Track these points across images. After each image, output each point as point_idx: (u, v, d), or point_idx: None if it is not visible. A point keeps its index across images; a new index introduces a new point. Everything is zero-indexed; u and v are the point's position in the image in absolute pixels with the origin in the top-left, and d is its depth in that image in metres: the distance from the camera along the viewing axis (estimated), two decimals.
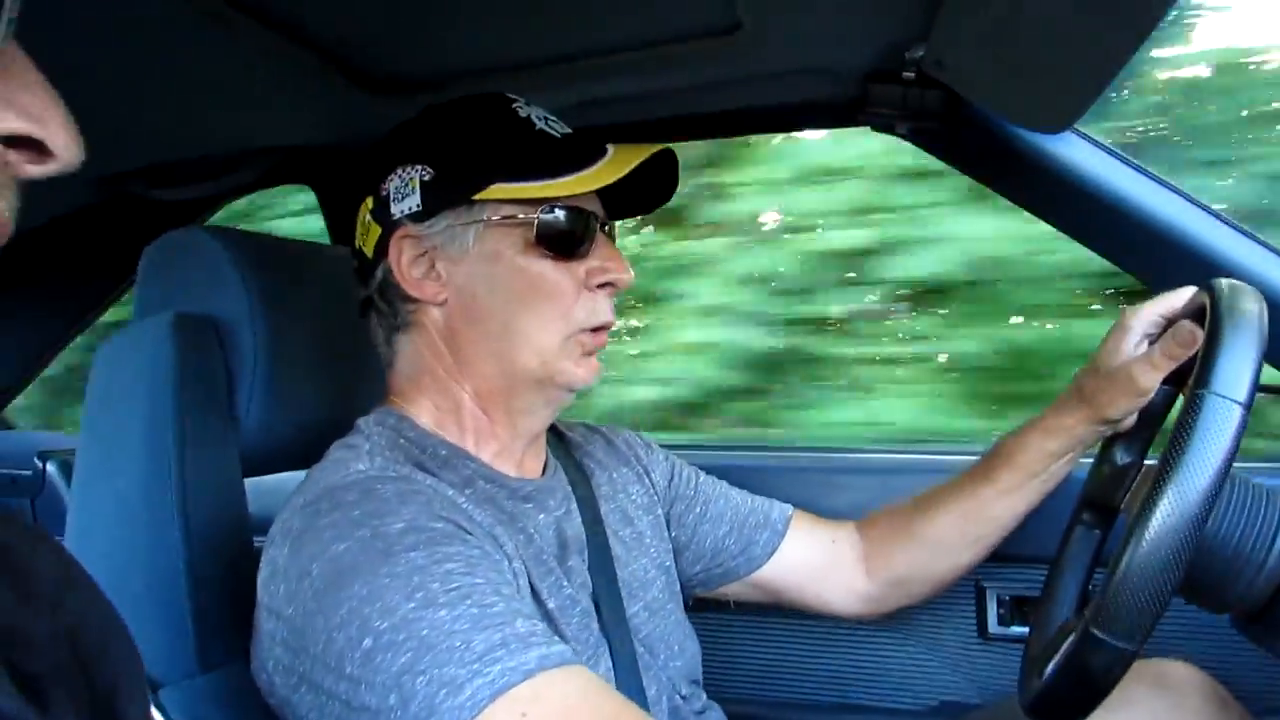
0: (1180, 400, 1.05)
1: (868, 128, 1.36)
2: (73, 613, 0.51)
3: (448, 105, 1.02)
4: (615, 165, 0.94)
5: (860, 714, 1.55)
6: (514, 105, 0.99)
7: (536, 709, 0.71)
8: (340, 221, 1.73)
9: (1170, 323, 1.04)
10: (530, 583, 0.92)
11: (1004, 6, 0.96)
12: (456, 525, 0.83)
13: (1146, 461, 1.09)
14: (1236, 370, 0.78)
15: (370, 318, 1.04)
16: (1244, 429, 0.76)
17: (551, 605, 0.93)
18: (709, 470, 1.33)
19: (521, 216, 0.94)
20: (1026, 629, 1.44)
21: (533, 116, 0.98)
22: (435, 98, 1.32)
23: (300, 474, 0.96)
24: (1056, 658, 0.87)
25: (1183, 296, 1.04)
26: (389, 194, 0.97)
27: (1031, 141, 1.26)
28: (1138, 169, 1.26)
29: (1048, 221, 1.31)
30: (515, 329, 0.95)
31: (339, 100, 1.34)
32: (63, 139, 0.44)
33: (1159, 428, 1.10)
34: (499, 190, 0.93)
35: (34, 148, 0.44)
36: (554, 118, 1.01)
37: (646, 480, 1.22)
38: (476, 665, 0.71)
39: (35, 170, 0.44)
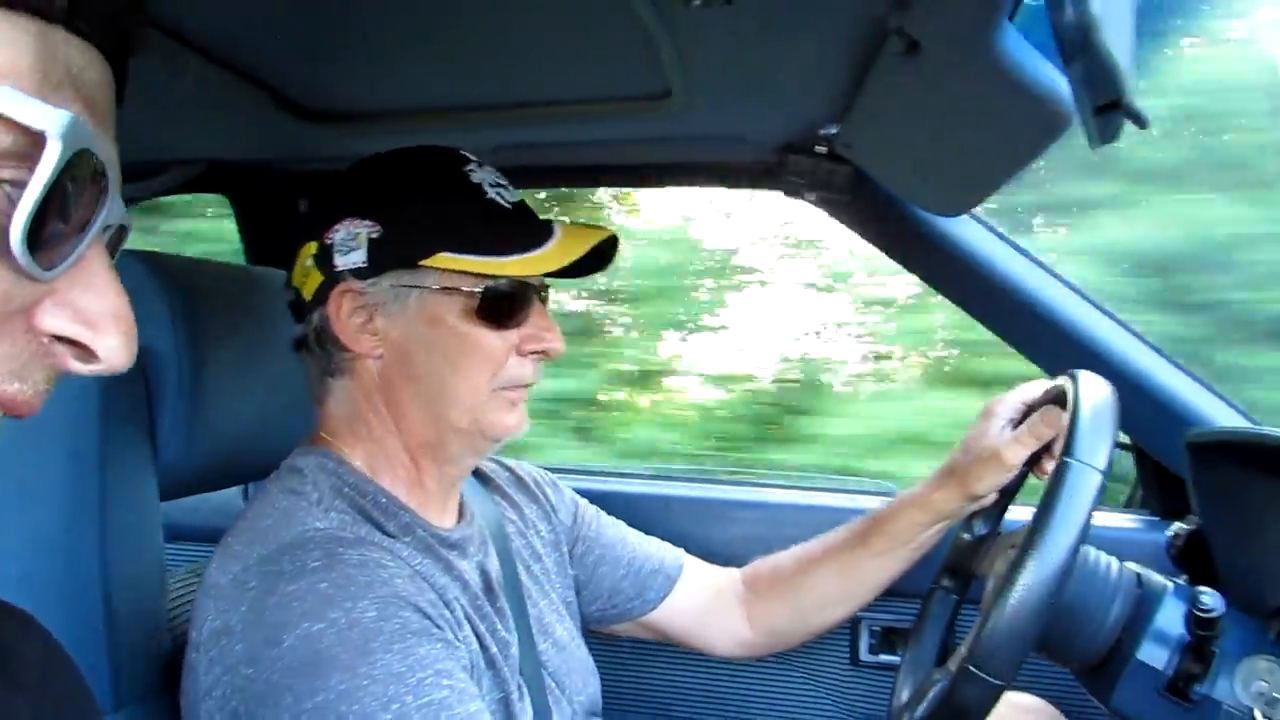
0: (1032, 478, 1.19)
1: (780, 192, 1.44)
2: (53, 699, 0.53)
3: (400, 157, 1.02)
4: (561, 250, 0.97)
5: None
6: (466, 169, 1.00)
7: None
8: (257, 236, 1.72)
9: (1030, 409, 1.17)
10: (474, 629, 0.97)
11: (915, 104, 1.05)
12: (423, 614, 0.87)
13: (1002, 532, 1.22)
14: (1097, 442, 0.91)
15: (303, 354, 1.04)
16: (1103, 492, 0.89)
17: (493, 649, 0.98)
18: (606, 497, 1.40)
19: (465, 289, 0.96)
20: (895, 657, 1.57)
21: (484, 184, 0.99)
22: (363, 130, 1.36)
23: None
24: (926, 701, 0.96)
25: (1041, 387, 1.18)
26: (334, 244, 0.97)
27: (929, 221, 1.37)
28: (1022, 252, 1.39)
29: (939, 293, 1.43)
30: (447, 388, 0.98)
31: (265, 122, 1.34)
32: (109, 347, 0.44)
33: (1011, 502, 1.23)
34: (445, 259, 0.95)
35: (81, 347, 0.44)
36: (505, 183, 1.03)
37: (553, 518, 1.27)
38: None
39: (78, 368, 0.45)
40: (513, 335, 0.99)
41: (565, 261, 0.96)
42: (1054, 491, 0.88)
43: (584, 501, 1.34)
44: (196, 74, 1.13)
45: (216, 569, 0.90)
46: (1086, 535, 0.87)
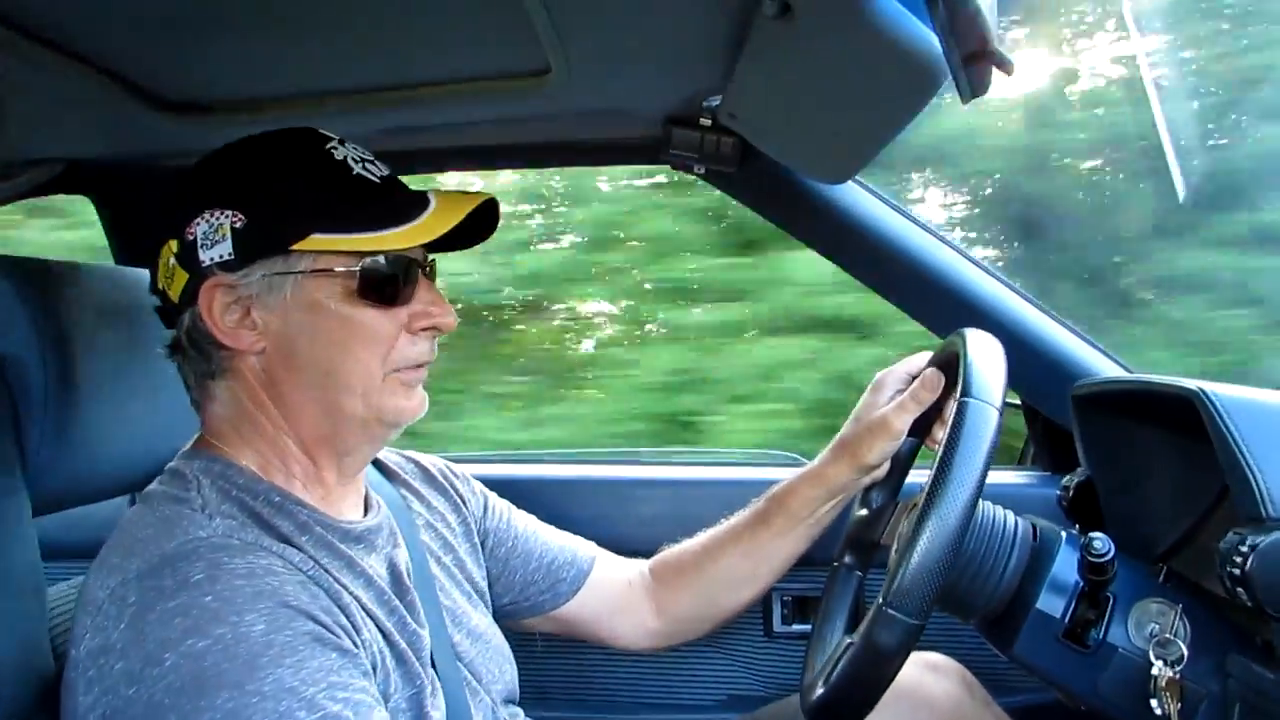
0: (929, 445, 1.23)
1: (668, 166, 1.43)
2: None
3: (256, 143, 0.97)
4: (439, 218, 0.93)
5: (656, 711, 1.65)
6: (328, 147, 0.95)
7: None
8: (125, 236, 1.63)
9: (914, 379, 1.21)
10: (378, 627, 0.93)
11: (793, 69, 1.05)
12: (317, 622, 0.82)
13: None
14: (989, 382, 0.94)
15: (179, 359, 0.98)
16: (1000, 428, 0.91)
17: (402, 645, 0.95)
18: (510, 484, 1.38)
19: (342, 269, 0.92)
20: (808, 626, 1.58)
21: (349, 160, 0.95)
22: (230, 121, 1.30)
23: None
24: (841, 664, 0.96)
25: (924, 358, 1.23)
26: (196, 239, 0.91)
27: (816, 189, 1.38)
28: (908, 216, 1.41)
29: (829, 259, 1.44)
30: (337, 375, 0.94)
31: (126, 117, 1.28)
32: None
33: (907, 473, 1.26)
34: (317, 241, 0.91)
35: None
36: (371, 157, 0.99)
37: (463, 510, 1.24)
38: None
39: None
40: (401, 313, 0.96)
41: (442, 230, 0.93)
42: (955, 431, 0.90)
43: (494, 495, 1.32)
44: (44, 67, 1.07)
45: (93, 583, 0.84)
46: (989, 468, 0.89)
